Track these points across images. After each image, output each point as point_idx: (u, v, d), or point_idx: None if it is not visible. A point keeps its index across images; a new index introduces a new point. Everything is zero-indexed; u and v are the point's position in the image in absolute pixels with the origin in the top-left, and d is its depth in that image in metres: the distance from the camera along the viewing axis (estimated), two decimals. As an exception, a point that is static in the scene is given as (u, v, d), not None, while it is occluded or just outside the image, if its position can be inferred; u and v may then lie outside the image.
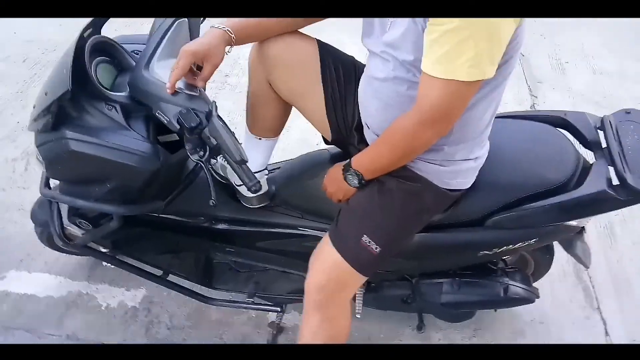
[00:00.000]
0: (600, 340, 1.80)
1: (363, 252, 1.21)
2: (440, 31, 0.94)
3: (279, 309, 1.67)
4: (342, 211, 1.28)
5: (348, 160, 1.21)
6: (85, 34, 1.18)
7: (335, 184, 1.25)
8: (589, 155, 1.36)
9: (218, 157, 1.57)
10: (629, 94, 2.93)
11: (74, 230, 1.44)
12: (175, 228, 1.57)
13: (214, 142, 1.09)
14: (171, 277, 1.65)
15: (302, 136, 2.43)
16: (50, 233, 1.71)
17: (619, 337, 1.81)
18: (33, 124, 1.25)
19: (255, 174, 1.44)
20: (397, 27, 1.06)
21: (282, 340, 1.76)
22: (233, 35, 1.14)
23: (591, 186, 1.23)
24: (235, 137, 1.07)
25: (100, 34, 1.26)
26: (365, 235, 1.21)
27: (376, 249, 1.21)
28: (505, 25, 0.95)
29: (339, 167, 1.24)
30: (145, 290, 1.90)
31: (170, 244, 1.63)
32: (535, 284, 1.61)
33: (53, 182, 1.44)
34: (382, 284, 1.59)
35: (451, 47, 0.94)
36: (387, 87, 1.14)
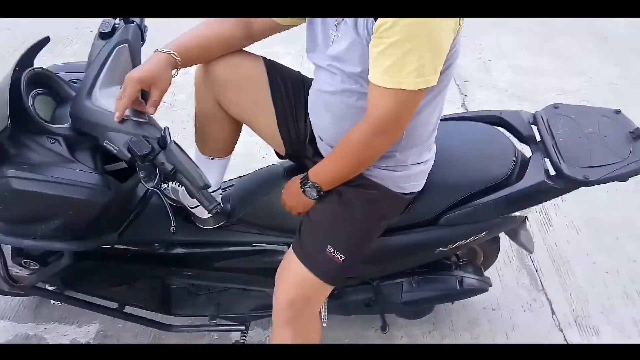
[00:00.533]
0: (548, 320, 1.93)
1: (329, 262, 1.23)
2: (386, 44, 0.98)
3: (243, 327, 1.66)
4: (303, 224, 1.29)
5: (305, 173, 1.23)
6: (18, 68, 1.12)
7: (294, 197, 1.26)
8: (525, 150, 1.46)
9: (169, 182, 1.55)
10: (547, 87, 3.17)
11: (19, 271, 1.36)
12: (128, 258, 1.52)
13: (169, 168, 1.07)
14: (127, 309, 1.59)
15: (247, 150, 2.42)
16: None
17: (564, 314, 1.93)
18: None
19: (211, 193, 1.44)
20: (342, 40, 1.09)
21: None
22: (178, 59, 1.12)
23: (531, 178, 1.33)
24: (193, 161, 1.06)
25: (33, 65, 1.20)
26: (329, 246, 1.23)
27: (341, 257, 1.23)
28: (445, 36, 1.01)
29: (296, 180, 1.25)
30: (98, 324, 1.81)
31: (124, 274, 1.57)
32: (485, 273, 1.70)
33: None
34: (345, 290, 1.62)
35: (397, 59, 0.98)
36: (336, 99, 1.17)
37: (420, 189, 1.31)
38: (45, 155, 1.13)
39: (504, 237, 1.77)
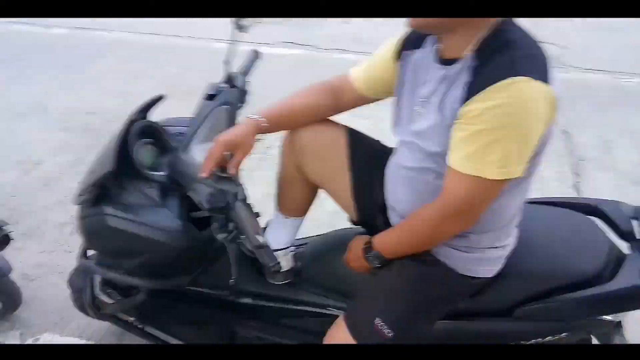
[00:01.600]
0: None
1: (374, 335, 1.19)
2: (471, 130, 0.97)
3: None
4: (358, 290, 1.27)
5: (370, 238, 1.23)
6: (131, 119, 1.28)
7: (357, 260, 1.26)
8: (623, 247, 1.31)
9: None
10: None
11: (104, 299, 1.50)
12: (200, 300, 1.60)
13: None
14: (195, 350, 1.65)
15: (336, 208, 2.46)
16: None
17: None
18: (77, 198, 1.34)
19: (282, 250, 1.49)
20: (425, 119, 1.10)
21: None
22: (267, 125, 1.21)
23: (625, 279, 1.19)
24: (256, 221, 1.11)
25: (146, 117, 1.37)
26: (377, 318, 1.19)
27: (389, 333, 1.18)
28: (536, 128, 0.97)
29: (360, 242, 1.25)
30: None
31: (195, 315, 1.64)
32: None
33: (90, 252, 1.51)
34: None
35: (480, 147, 0.96)
36: (415, 175, 1.17)
37: (493, 275, 1.23)
38: (139, 198, 1.26)
39: None
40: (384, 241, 1.20)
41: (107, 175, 1.20)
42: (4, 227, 1.88)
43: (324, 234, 1.58)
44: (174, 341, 1.62)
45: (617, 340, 1.40)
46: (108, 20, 4.74)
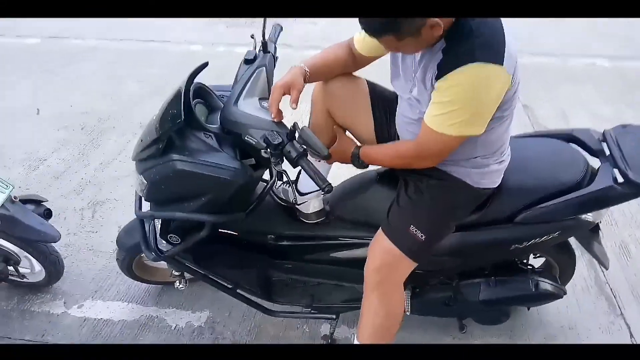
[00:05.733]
0: (626, 340, 1.97)
1: (410, 239, 1.48)
2: (438, 99, 1.26)
3: (333, 316, 1.88)
4: (391, 208, 1.54)
5: (357, 148, 1.52)
6: (188, 81, 1.49)
7: (342, 157, 1.55)
8: (596, 163, 1.63)
9: (280, 183, 1.86)
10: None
11: (163, 246, 1.69)
12: (243, 246, 1.82)
13: (294, 155, 1.36)
14: (239, 290, 1.87)
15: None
16: (131, 259, 1.97)
17: (644, 338, 1.98)
18: (140, 153, 1.53)
19: (314, 193, 1.73)
20: (417, 88, 1.37)
21: (335, 351, 1.93)
22: (308, 72, 1.46)
23: (600, 183, 1.50)
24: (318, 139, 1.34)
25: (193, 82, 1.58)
26: (412, 226, 1.47)
27: (422, 236, 1.47)
28: (492, 100, 1.25)
29: (350, 145, 1.54)
30: (209, 312, 2.11)
31: (238, 261, 1.86)
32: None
33: (145, 205, 1.70)
34: (426, 289, 1.80)
35: (445, 113, 1.26)
36: (415, 123, 1.45)
37: (495, 186, 1.52)
38: (201, 145, 1.47)
39: (581, 266, 1.88)
40: (369, 154, 1.49)
41: (176, 126, 1.41)
42: (43, 202, 2.03)
43: (348, 178, 1.82)
44: (222, 281, 1.82)
45: (596, 246, 1.73)
46: (82, 29, 4.85)
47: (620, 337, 1.98)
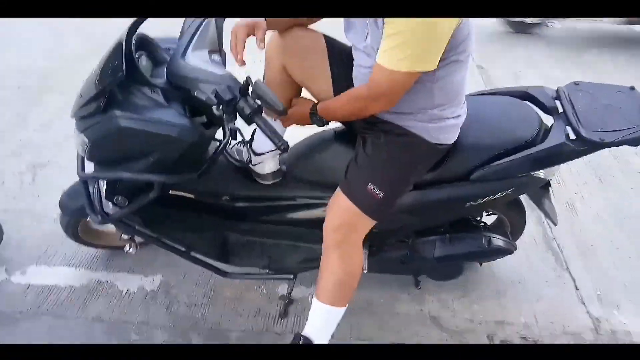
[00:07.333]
0: (571, 294, 2.06)
1: (369, 197, 1.45)
2: (388, 33, 1.22)
3: (291, 276, 1.86)
4: (350, 167, 1.51)
5: (314, 104, 1.50)
6: (129, 31, 1.38)
7: (301, 118, 1.53)
8: (549, 120, 1.65)
9: (234, 143, 1.79)
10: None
11: (109, 209, 1.60)
12: (197, 208, 1.76)
13: (248, 112, 1.29)
14: (193, 254, 1.81)
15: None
16: (77, 222, 1.87)
17: (587, 290, 2.07)
18: (79, 110, 1.42)
19: (269, 153, 1.67)
20: (371, 35, 1.32)
21: (292, 310, 1.93)
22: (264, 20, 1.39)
23: (553, 140, 1.51)
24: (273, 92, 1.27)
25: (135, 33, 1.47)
26: (370, 183, 1.45)
27: (379, 194, 1.45)
28: (442, 32, 1.21)
29: (306, 105, 1.52)
30: (162, 275, 2.05)
31: (193, 222, 1.79)
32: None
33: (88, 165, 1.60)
34: (383, 247, 1.81)
35: (396, 45, 1.21)
36: (371, 72, 1.40)
37: (452, 142, 1.51)
38: (147, 101, 1.38)
39: (529, 223, 1.93)
40: (326, 108, 1.47)
41: (118, 79, 1.30)
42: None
43: (304, 138, 1.77)
44: (175, 244, 1.76)
45: (546, 203, 1.77)
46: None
47: (566, 290, 2.07)
